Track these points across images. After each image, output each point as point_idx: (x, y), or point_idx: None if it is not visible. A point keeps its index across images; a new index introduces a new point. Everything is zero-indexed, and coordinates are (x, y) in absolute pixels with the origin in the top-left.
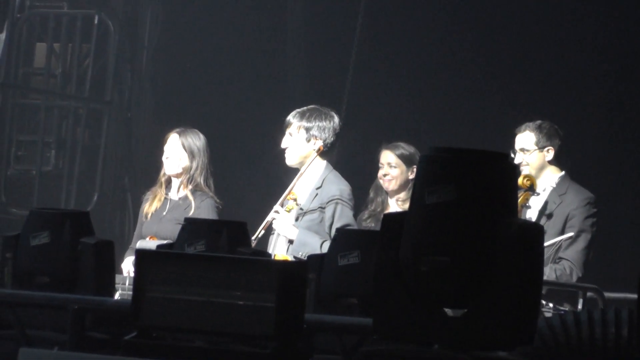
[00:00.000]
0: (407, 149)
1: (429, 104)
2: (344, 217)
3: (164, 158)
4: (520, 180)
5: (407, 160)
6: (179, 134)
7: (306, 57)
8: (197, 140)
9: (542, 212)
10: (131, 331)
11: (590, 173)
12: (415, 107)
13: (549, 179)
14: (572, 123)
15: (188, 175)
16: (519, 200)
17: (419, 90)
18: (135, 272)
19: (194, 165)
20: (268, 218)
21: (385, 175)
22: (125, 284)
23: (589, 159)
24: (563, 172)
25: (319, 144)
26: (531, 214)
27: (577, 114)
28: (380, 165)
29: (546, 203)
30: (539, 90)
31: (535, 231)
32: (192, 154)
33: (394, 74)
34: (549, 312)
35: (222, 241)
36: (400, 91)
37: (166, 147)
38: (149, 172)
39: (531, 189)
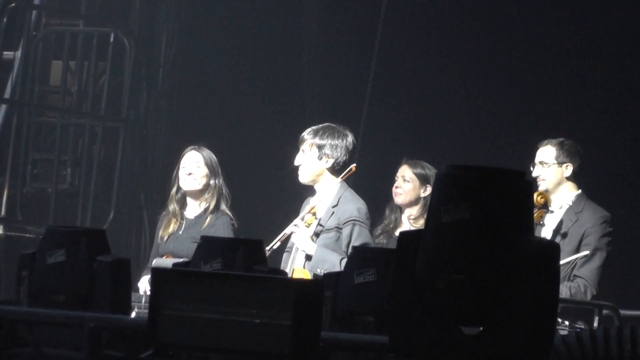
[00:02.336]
0: (425, 168)
1: (448, 121)
2: (361, 236)
3: (184, 174)
4: (534, 198)
5: (422, 178)
6: (198, 150)
7: (323, 74)
8: (213, 157)
9: (557, 230)
10: (147, 349)
11: (606, 192)
12: (434, 124)
13: (566, 196)
14: (592, 142)
15: (207, 193)
16: (534, 217)
17: (437, 107)
18: (152, 290)
19: (214, 182)
20: (286, 231)
21: (397, 187)
22: (141, 302)
23: (606, 178)
24: (580, 191)
25: (331, 162)
26: (545, 232)
27: (596, 134)
28: (395, 177)
29: (562, 221)
30: (560, 109)
31: (552, 249)
32: (213, 171)
33: (412, 91)
34: (564, 329)
35: (238, 259)
36: (418, 108)
37: (186, 164)
38: (165, 189)
39: (545, 207)
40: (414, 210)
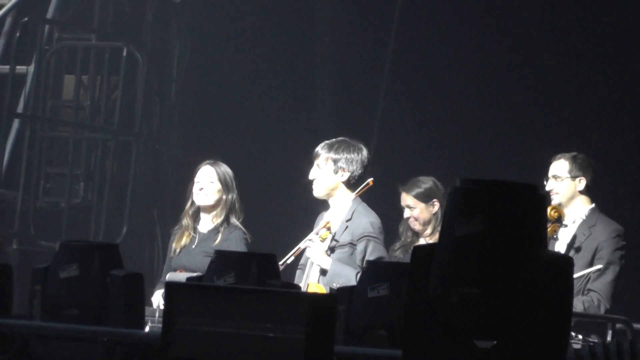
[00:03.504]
0: (421, 185)
1: (460, 135)
2: (376, 251)
3: (196, 189)
4: (548, 212)
5: (424, 197)
6: (213, 165)
7: (336, 88)
8: (229, 172)
9: (570, 245)
10: None
11: (619, 206)
12: (447, 138)
13: (579, 210)
14: (604, 157)
15: (220, 208)
16: (547, 231)
17: (450, 121)
18: (165, 304)
19: (228, 197)
20: (300, 245)
21: (408, 218)
22: (155, 317)
23: (618, 192)
24: (593, 205)
25: (347, 176)
26: (559, 246)
27: (609, 148)
28: (402, 207)
29: (575, 235)
30: (573, 123)
31: (565, 263)
32: (226, 187)
33: (425, 105)
34: (577, 343)
35: (252, 273)
36: (431, 122)
37: (200, 178)
38: (178, 204)
39: (559, 221)
40: (427, 229)
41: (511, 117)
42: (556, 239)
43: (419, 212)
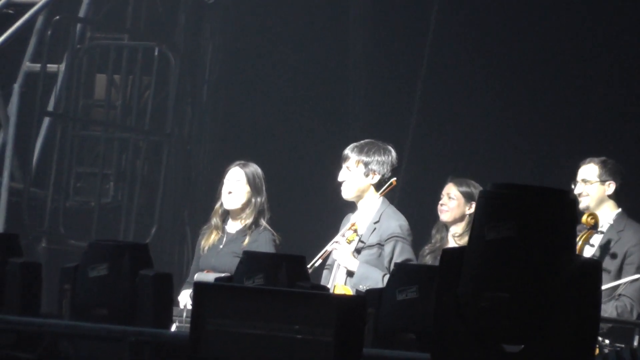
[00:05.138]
0: (471, 186)
1: (492, 140)
2: (404, 253)
3: (225, 191)
4: (584, 219)
5: (467, 195)
6: (242, 167)
7: (369, 90)
8: (259, 174)
9: (600, 249)
10: None
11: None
12: (479, 142)
13: (607, 214)
14: (629, 162)
15: (248, 209)
16: (583, 237)
17: (483, 125)
18: (194, 304)
19: (256, 200)
20: (327, 247)
21: (442, 205)
22: (182, 317)
23: None
24: (620, 209)
25: (377, 178)
26: (589, 252)
27: (635, 154)
28: (441, 195)
29: (604, 240)
30: (602, 129)
31: (594, 268)
32: (255, 189)
33: (458, 109)
34: (605, 348)
35: (281, 275)
36: (464, 126)
37: (228, 181)
38: (208, 205)
39: (595, 228)
40: (458, 228)
41: (541, 122)
42: (592, 246)
43: (455, 205)
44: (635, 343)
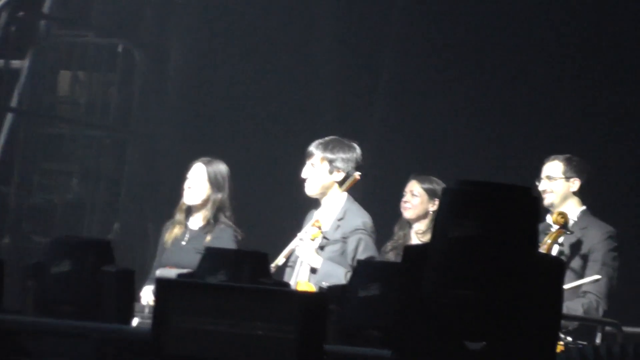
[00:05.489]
0: (434, 183)
1: (458, 137)
2: (368, 250)
3: (185, 187)
4: (554, 217)
5: (431, 192)
6: (205, 163)
7: (333, 88)
8: (222, 170)
9: (567, 247)
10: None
11: (609, 209)
12: (444, 139)
13: (571, 212)
14: (594, 160)
15: (209, 206)
16: (552, 236)
17: (445, 123)
18: (156, 300)
19: (217, 196)
20: (291, 245)
21: (405, 202)
22: (143, 312)
23: (609, 195)
24: (584, 207)
25: (341, 175)
26: (561, 251)
27: (600, 152)
28: (404, 192)
29: (570, 237)
30: (565, 126)
31: (557, 266)
32: (216, 185)
33: (421, 107)
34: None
35: (244, 272)
36: (427, 124)
37: (190, 176)
38: (172, 202)
39: (564, 227)
40: (422, 225)
41: (505, 120)
42: (560, 245)
43: (419, 202)
44: (598, 340)
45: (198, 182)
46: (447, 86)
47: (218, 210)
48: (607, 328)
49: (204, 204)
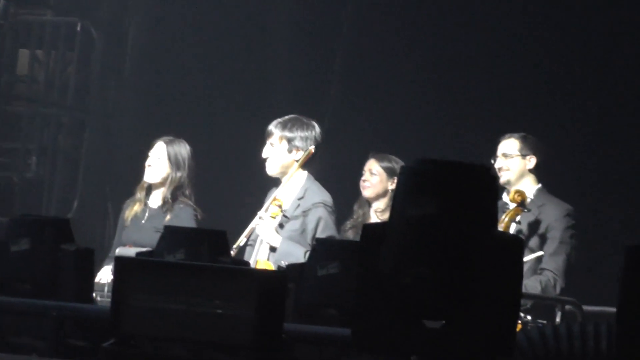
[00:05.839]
0: (393, 161)
1: (414, 115)
2: (327, 228)
3: (146, 165)
4: (511, 196)
5: (389, 171)
6: (167, 143)
7: (290, 66)
8: (183, 150)
9: (525, 225)
10: (110, 339)
11: (564, 187)
12: (400, 117)
13: (527, 189)
14: (550, 138)
15: (168, 184)
16: (509, 215)
17: (404, 100)
18: (114, 279)
19: (177, 175)
20: (252, 224)
21: (364, 181)
22: (103, 291)
23: (567, 173)
24: (540, 185)
25: (301, 154)
26: (519, 229)
27: (555, 130)
28: (363, 172)
29: (527, 215)
30: (520, 105)
31: (515, 243)
32: (176, 164)
33: (379, 84)
34: (527, 324)
35: (202, 250)
36: (384, 102)
37: (151, 155)
38: (130, 181)
39: (522, 205)
40: (381, 203)
41: (461, 98)
42: (518, 223)
43: (378, 181)
44: (558, 319)
45: (158, 161)
46: (403, 64)
47: (177, 189)
48: (567, 307)
49: (163, 183)
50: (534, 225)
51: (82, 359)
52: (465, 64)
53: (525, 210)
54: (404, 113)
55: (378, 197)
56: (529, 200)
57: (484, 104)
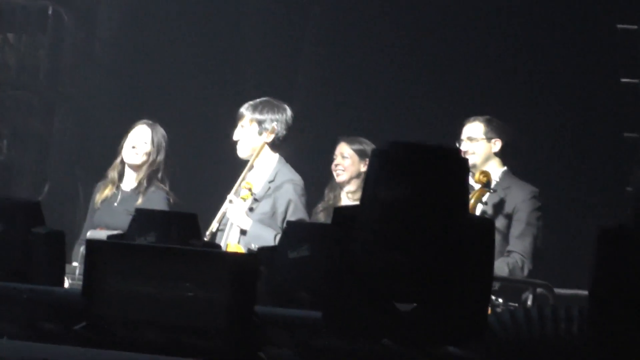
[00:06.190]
0: (363, 143)
1: (383, 97)
2: (297, 211)
3: (128, 145)
4: (476, 177)
5: (361, 153)
6: (150, 126)
7: (260, 50)
8: (163, 134)
9: (491, 207)
10: (81, 322)
11: (531, 170)
12: (369, 100)
13: (492, 172)
14: (514, 122)
15: (146, 168)
16: (475, 196)
17: (372, 83)
18: (86, 262)
19: (157, 159)
20: (223, 208)
21: (337, 165)
22: (75, 274)
23: (532, 156)
24: (505, 167)
25: (272, 137)
26: (485, 210)
27: (519, 113)
28: (334, 156)
29: (493, 197)
30: (484, 88)
31: (487, 226)
32: (157, 148)
33: (348, 68)
34: (498, 307)
35: (173, 233)
36: (353, 85)
37: (134, 137)
38: (101, 163)
39: (487, 186)
40: (353, 186)
41: (428, 80)
42: (485, 204)
43: (350, 164)
44: (529, 303)
45: (144, 145)
46: (372, 45)
47: (154, 173)
48: (539, 290)
49: (142, 165)
50: (500, 208)
51: (53, 342)
52: (431, 47)
53: (491, 191)
54: (372, 96)
55: (351, 180)
56: (494, 182)
57: (449, 87)
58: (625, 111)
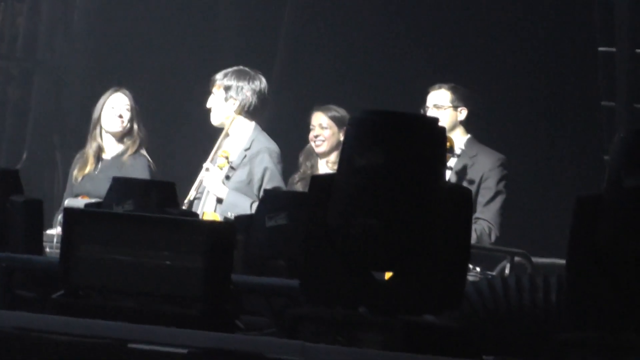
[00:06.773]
0: (339, 111)
1: (359, 67)
2: (273, 179)
3: (113, 115)
4: None
5: (339, 121)
6: (127, 95)
7: (238, 17)
8: (136, 102)
9: (459, 175)
10: (59, 290)
11: (492, 137)
12: (345, 69)
13: (457, 141)
14: (478, 88)
15: (128, 135)
16: None
17: (349, 52)
18: (63, 230)
19: (139, 126)
20: (199, 177)
21: (316, 136)
22: (53, 242)
23: (495, 123)
24: (469, 135)
25: (237, 104)
26: (449, 177)
27: (486, 80)
28: (311, 127)
29: (460, 165)
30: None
31: (464, 195)
32: (137, 116)
33: (326, 36)
34: (475, 276)
35: (151, 201)
36: (330, 54)
37: (116, 105)
38: (79, 131)
39: (450, 151)
40: (333, 156)
41: (408, 46)
42: (449, 169)
43: (330, 134)
44: (507, 272)
45: (127, 112)
46: (347, 15)
47: (135, 141)
48: (516, 259)
49: (124, 134)
50: (467, 175)
51: (31, 310)
52: (398, 16)
53: (455, 156)
54: (351, 64)
55: (332, 149)
56: (459, 150)
57: (414, 54)
58: (603, 79)
